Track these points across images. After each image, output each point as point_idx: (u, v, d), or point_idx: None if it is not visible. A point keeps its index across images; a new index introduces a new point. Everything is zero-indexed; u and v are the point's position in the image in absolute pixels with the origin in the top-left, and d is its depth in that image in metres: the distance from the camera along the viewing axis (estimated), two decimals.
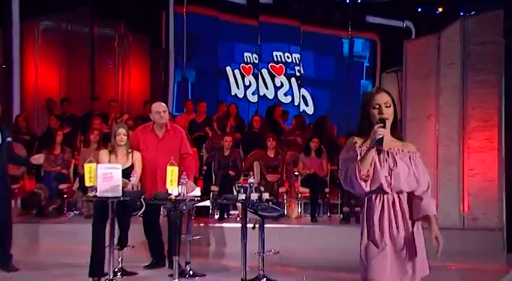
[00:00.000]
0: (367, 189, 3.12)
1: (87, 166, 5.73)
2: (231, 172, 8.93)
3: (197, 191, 6.23)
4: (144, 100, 11.47)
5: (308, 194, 9.15)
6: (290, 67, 14.72)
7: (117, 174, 5.58)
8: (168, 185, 5.71)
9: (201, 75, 13.76)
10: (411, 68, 8.89)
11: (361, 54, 15.67)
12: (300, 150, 9.77)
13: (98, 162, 5.86)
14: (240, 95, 14.22)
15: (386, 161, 3.15)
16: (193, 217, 8.73)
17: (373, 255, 3.12)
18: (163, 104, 6.48)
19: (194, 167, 6.58)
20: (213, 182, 9.13)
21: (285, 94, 14.65)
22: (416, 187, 3.16)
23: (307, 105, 14.82)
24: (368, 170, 3.10)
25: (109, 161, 6.03)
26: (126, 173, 5.89)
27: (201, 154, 9.97)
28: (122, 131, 6.20)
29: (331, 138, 10.25)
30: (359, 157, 3.13)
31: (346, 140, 3.48)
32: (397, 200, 3.16)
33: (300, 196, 9.35)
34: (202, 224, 8.26)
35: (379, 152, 3.10)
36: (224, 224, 8.27)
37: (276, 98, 14.47)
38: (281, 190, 9.17)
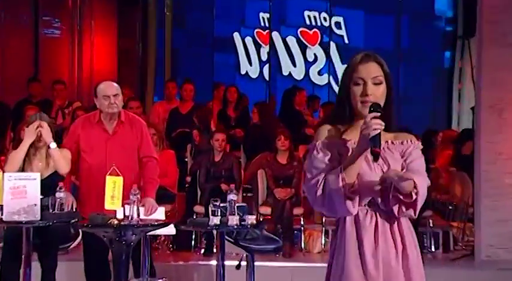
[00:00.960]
0: (355, 211, 3.05)
1: None
2: (223, 186, 8.84)
3: (160, 214, 6.20)
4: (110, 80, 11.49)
5: None
6: (328, 33, 14.62)
7: (34, 187, 5.55)
8: (107, 205, 5.68)
9: (193, 46, 13.77)
10: (489, 32, 8.74)
11: (437, 13, 15.51)
12: None
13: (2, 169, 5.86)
14: (254, 75, 14.23)
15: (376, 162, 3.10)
16: (169, 251, 8.88)
17: None
18: (115, 84, 6.44)
19: (158, 177, 6.56)
20: (198, 200, 9.09)
21: (320, 73, 14.57)
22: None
23: None
24: (354, 183, 3.02)
25: (22, 168, 5.99)
26: (47, 185, 5.82)
27: (185, 158, 9.99)
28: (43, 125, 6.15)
29: None
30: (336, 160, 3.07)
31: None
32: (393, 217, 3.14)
33: (324, 220, 9.20)
34: (181, 262, 8.36)
35: (376, 157, 3.02)
36: (212, 262, 8.13)
37: (306, 77, 14.41)
38: (297, 211, 9.04)
